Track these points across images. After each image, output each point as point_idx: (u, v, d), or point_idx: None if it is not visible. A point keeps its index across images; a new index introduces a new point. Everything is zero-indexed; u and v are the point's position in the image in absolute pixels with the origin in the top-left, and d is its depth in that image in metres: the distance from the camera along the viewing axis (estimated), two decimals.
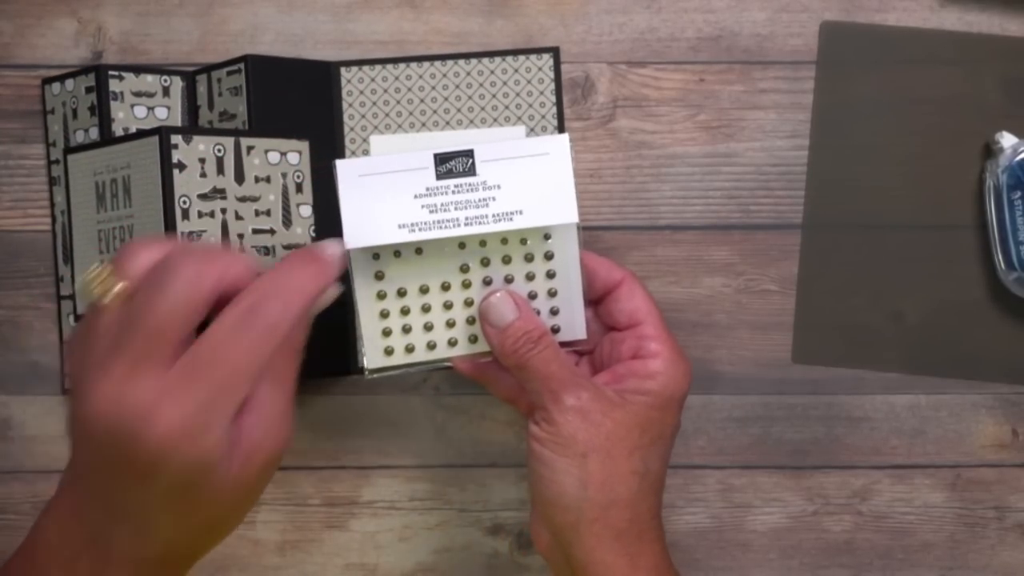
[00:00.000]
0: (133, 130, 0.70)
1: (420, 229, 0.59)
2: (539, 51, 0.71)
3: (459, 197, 0.59)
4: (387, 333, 0.61)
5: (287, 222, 0.69)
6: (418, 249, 0.60)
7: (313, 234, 0.70)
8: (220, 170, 0.66)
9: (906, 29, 0.71)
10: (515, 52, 0.71)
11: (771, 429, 0.71)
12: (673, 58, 0.72)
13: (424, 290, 0.60)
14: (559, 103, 0.71)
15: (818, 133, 0.71)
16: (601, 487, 0.56)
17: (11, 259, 0.72)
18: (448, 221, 0.59)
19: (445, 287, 0.60)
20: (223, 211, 0.66)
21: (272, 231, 0.68)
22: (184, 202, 0.65)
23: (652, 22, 0.72)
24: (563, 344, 0.60)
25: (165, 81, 0.71)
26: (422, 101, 0.71)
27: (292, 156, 0.69)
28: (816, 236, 0.71)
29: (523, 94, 0.71)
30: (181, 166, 0.65)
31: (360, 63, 0.72)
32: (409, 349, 0.61)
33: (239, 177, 0.67)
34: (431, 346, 0.61)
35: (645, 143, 0.71)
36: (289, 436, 0.48)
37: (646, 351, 0.59)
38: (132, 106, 0.70)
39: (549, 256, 0.60)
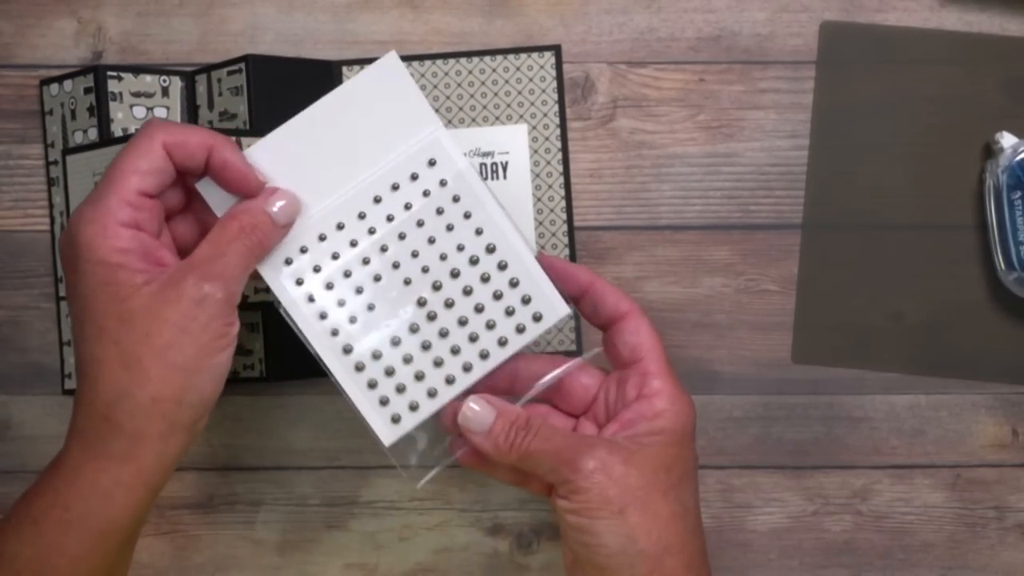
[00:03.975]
0: (132, 131, 0.70)
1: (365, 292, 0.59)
2: (541, 49, 0.71)
3: (369, 231, 0.59)
4: (384, 402, 0.59)
5: None
6: (370, 306, 0.59)
7: None
8: None
9: (906, 29, 0.71)
10: (517, 50, 0.71)
11: (771, 429, 0.71)
12: (673, 58, 0.72)
13: (396, 342, 0.59)
14: (561, 101, 0.71)
15: (818, 133, 0.71)
16: (650, 538, 0.55)
17: (11, 259, 0.72)
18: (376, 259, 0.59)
19: (414, 329, 0.59)
20: None
21: None
22: None
23: (652, 22, 0.72)
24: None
25: (164, 81, 0.71)
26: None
27: None
28: (816, 236, 0.71)
29: (525, 92, 0.71)
30: None
31: (361, 62, 0.72)
32: (413, 407, 0.59)
33: None
34: (432, 394, 0.59)
35: (645, 143, 0.71)
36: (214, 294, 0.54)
37: (649, 389, 0.58)
38: (131, 106, 0.70)
39: (491, 249, 0.59)
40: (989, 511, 0.71)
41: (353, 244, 0.59)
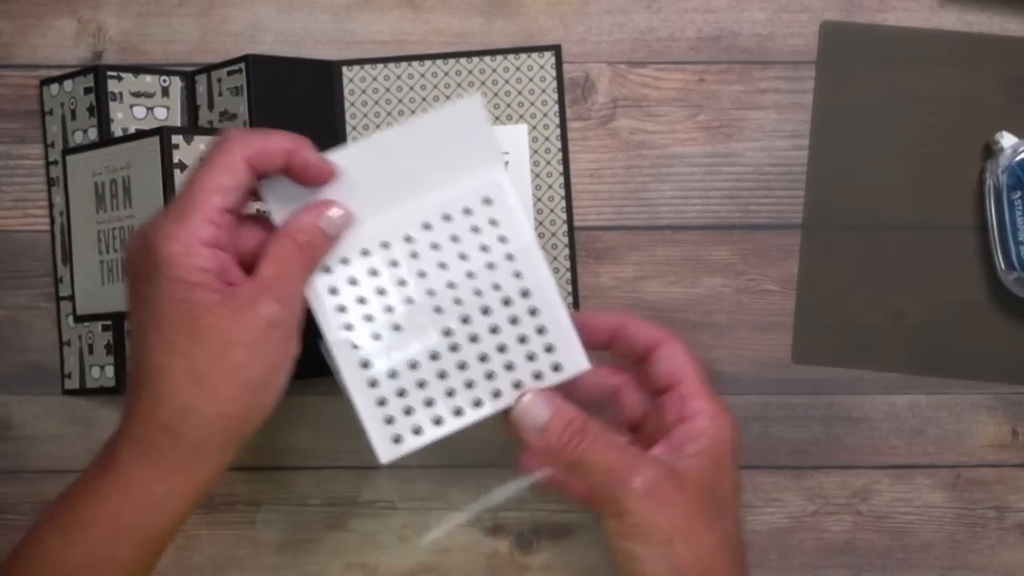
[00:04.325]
0: (132, 131, 0.70)
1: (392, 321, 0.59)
2: (540, 49, 0.71)
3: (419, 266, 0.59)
4: (390, 421, 0.59)
5: None
6: (396, 326, 0.59)
7: None
8: None
9: (906, 29, 0.71)
10: (517, 50, 0.71)
11: (771, 429, 0.71)
12: (673, 58, 0.72)
13: (414, 365, 0.59)
14: (561, 101, 0.71)
15: (818, 133, 0.71)
16: (694, 569, 0.55)
17: (11, 259, 0.72)
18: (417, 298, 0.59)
19: (434, 356, 0.59)
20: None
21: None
22: None
23: (652, 22, 0.72)
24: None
25: (164, 81, 0.71)
26: (424, 100, 0.72)
27: None
28: (816, 236, 0.71)
29: (525, 92, 0.71)
30: (182, 166, 0.65)
31: (362, 62, 0.72)
32: (417, 431, 0.59)
33: None
34: (437, 422, 0.59)
35: (645, 143, 0.71)
36: (278, 313, 0.55)
37: (689, 411, 0.58)
38: (131, 106, 0.70)
39: (526, 293, 0.59)
40: (989, 511, 0.71)
41: (393, 264, 0.59)
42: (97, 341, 0.70)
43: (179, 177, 0.64)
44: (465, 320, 0.59)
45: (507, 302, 0.59)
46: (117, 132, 0.70)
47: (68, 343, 0.72)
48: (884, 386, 0.71)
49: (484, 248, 0.59)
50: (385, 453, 0.59)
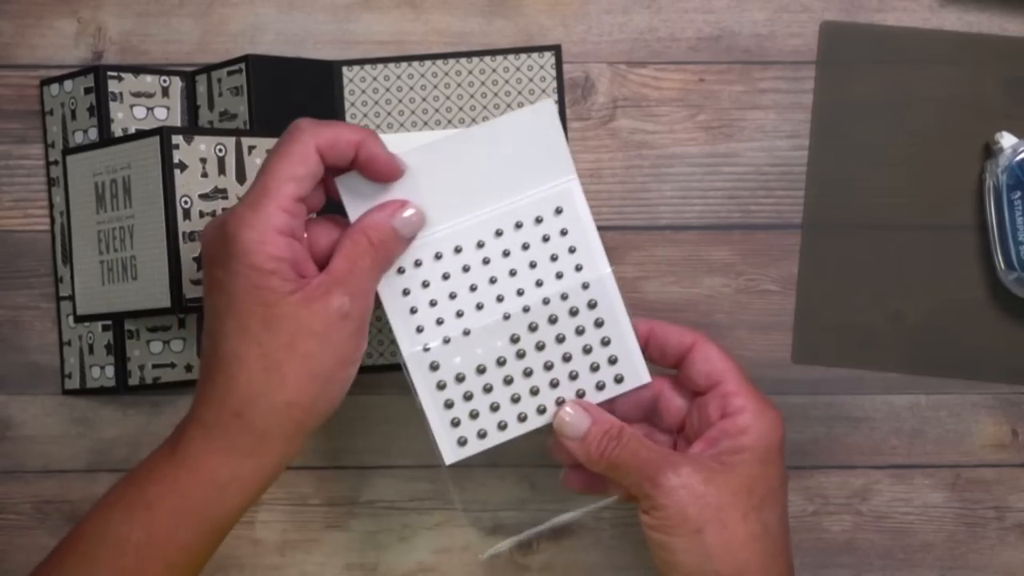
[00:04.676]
0: (132, 131, 0.70)
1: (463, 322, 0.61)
2: (541, 49, 0.71)
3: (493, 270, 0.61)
4: (456, 423, 0.61)
5: None
6: (465, 331, 0.60)
7: None
8: (222, 170, 0.66)
9: (906, 29, 0.71)
10: (517, 50, 0.71)
11: None
12: (673, 58, 0.72)
13: (481, 370, 0.61)
14: (561, 101, 0.71)
15: (818, 133, 0.71)
16: (725, 559, 0.56)
17: (11, 259, 0.72)
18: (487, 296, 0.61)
19: (501, 362, 0.61)
20: (225, 211, 0.66)
21: None
22: (185, 202, 0.65)
23: (652, 22, 0.72)
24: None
25: (164, 81, 0.71)
26: (424, 100, 0.72)
27: None
28: (816, 236, 0.71)
29: (525, 92, 0.71)
30: (182, 166, 0.65)
31: (362, 62, 0.72)
32: (481, 435, 0.61)
33: (241, 177, 0.67)
34: (502, 426, 0.61)
35: (645, 143, 0.71)
36: (349, 310, 0.56)
37: (731, 408, 0.59)
38: (131, 106, 0.70)
39: (592, 305, 0.61)
40: (989, 511, 0.71)
41: (465, 270, 0.61)
42: (97, 341, 0.70)
43: (179, 177, 0.65)
44: (532, 328, 0.61)
45: (574, 312, 0.61)
46: (117, 132, 0.70)
47: (68, 343, 0.72)
48: (884, 386, 0.71)
49: (553, 258, 0.61)
50: (450, 455, 0.61)
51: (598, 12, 0.72)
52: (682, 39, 0.72)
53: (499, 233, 0.61)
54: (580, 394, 0.61)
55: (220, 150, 0.66)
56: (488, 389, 0.61)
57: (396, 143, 0.67)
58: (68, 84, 0.71)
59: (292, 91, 0.70)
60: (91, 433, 0.72)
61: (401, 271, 0.60)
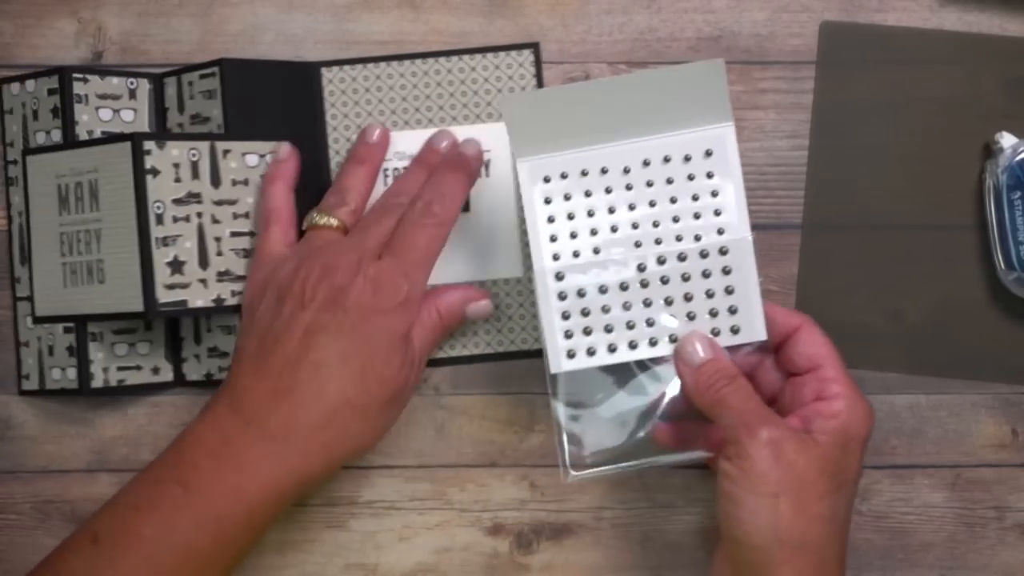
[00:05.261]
0: (98, 133, 0.69)
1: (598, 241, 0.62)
2: (520, 47, 0.71)
3: (637, 208, 0.62)
4: (568, 335, 0.62)
5: None
6: (595, 249, 0.62)
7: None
8: (195, 174, 0.66)
9: (906, 29, 0.71)
10: (496, 49, 0.71)
11: None
12: (673, 58, 0.72)
13: (603, 290, 0.61)
14: None
15: (818, 133, 0.71)
16: (792, 530, 0.57)
17: None
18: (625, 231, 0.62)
19: (623, 287, 0.62)
20: (199, 215, 0.65)
21: (252, 234, 0.68)
22: (158, 207, 0.64)
23: (652, 22, 0.72)
24: (743, 346, 0.61)
25: (131, 84, 0.70)
26: (404, 99, 0.71)
27: (271, 158, 0.68)
28: (816, 236, 0.71)
29: (505, 90, 0.71)
30: (154, 172, 0.64)
31: (341, 63, 0.71)
32: (591, 352, 0.62)
33: (215, 181, 0.66)
34: (612, 349, 0.62)
35: None
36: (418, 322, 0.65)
37: (828, 392, 0.60)
38: (97, 108, 0.69)
39: (724, 251, 0.61)
40: (989, 511, 0.71)
41: (607, 191, 0.62)
42: (58, 343, 0.69)
43: (151, 183, 0.64)
44: (660, 261, 0.62)
45: (704, 255, 0.62)
46: (82, 134, 0.69)
47: (26, 344, 0.71)
48: (884, 386, 0.71)
49: (695, 198, 0.62)
50: (556, 364, 0.62)
51: (598, 12, 0.72)
52: (682, 39, 0.72)
53: (646, 163, 0.62)
54: None
55: (194, 155, 0.65)
56: (606, 310, 0.62)
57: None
58: (30, 84, 0.70)
59: (268, 93, 0.69)
60: (91, 433, 0.72)
61: (547, 179, 0.62)
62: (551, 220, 0.62)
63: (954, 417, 0.71)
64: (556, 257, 0.62)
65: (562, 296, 0.62)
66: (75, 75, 0.69)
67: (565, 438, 0.62)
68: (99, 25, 0.73)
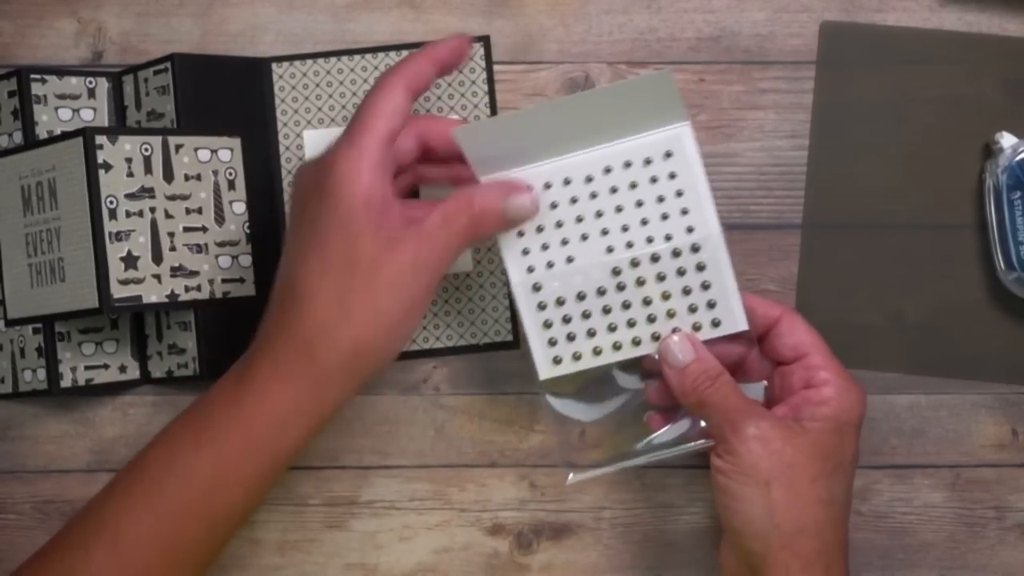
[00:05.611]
0: (58, 133, 0.69)
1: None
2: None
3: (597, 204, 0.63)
4: (552, 343, 0.63)
5: (220, 219, 0.68)
6: (569, 258, 0.62)
7: (247, 231, 0.69)
8: (148, 169, 0.65)
9: (906, 29, 0.71)
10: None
11: None
12: (673, 58, 0.72)
13: (581, 297, 0.63)
14: (491, 92, 0.71)
15: (818, 133, 0.71)
16: (787, 515, 0.58)
17: None
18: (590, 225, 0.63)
19: (601, 292, 0.62)
20: (152, 210, 0.65)
21: (204, 228, 0.68)
22: (111, 202, 0.64)
23: (652, 22, 0.72)
24: (726, 338, 0.62)
25: (90, 83, 0.70)
26: (355, 95, 0.71)
27: (223, 153, 0.68)
28: (816, 236, 0.71)
29: (455, 84, 0.71)
30: (107, 166, 0.64)
31: (291, 58, 0.71)
32: (576, 357, 0.63)
33: (168, 176, 0.66)
34: (597, 352, 0.63)
35: None
36: (433, 251, 0.58)
37: (817, 380, 0.61)
38: (56, 109, 0.69)
39: (696, 248, 0.62)
40: (989, 511, 0.71)
41: (573, 201, 0.63)
42: (28, 344, 0.69)
43: (104, 178, 0.64)
44: (634, 264, 0.63)
45: (677, 254, 0.63)
46: (43, 135, 0.69)
47: (0, 347, 0.71)
48: (884, 386, 0.71)
49: (660, 199, 0.63)
50: (544, 371, 0.63)
51: (598, 12, 0.72)
52: (682, 39, 0.72)
53: (608, 170, 0.63)
54: (676, 332, 0.63)
55: (146, 149, 0.65)
56: (587, 315, 0.63)
57: (326, 138, 0.68)
58: None
59: (220, 89, 0.69)
60: (91, 433, 0.72)
61: None
62: (520, 235, 0.63)
63: (954, 417, 0.71)
64: (531, 269, 0.63)
65: (542, 306, 0.63)
66: (33, 76, 0.69)
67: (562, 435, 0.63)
68: (99, 25, 0.73)
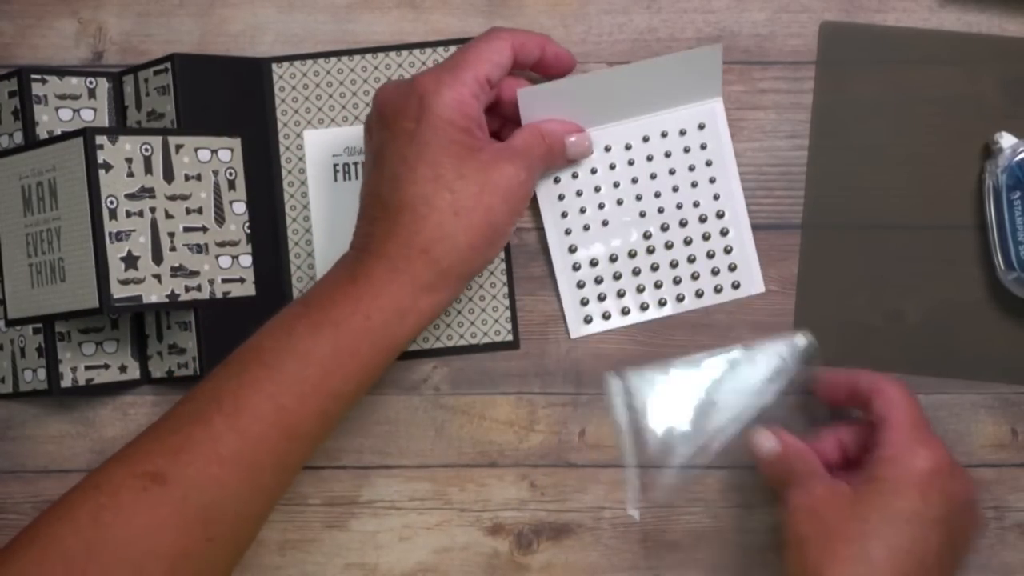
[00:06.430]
0: (59, 133, 0.69)
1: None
2: (447, 43, 0.72)
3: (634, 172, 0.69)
4: (584, 303, 0.69)
5: (220, 219, 0.68)
6: (604, 221, 0.68)
7: (247, 231, 0.69)
8: (148, 169, 0.66)
9: (906, 29, 0.71)
10: (444, 43, 0.71)
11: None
12: None
13: (613, 259, 0.69)
14: None
15: (818, 133, 0.71)
16: (814, 572, 0.60)
17: None
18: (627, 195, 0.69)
19: (632, 254, 0.69)
20: (152, 210, 0.66)
21: (204, 228, 0.68)
22: (111, 202, 0.64)
23: (652, 22, 0.72)
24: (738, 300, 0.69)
25: (90, 83, 0.70)
26: (354, 95, 0.71)
27: (223, 153, 0.69)
28: (816, 236, 0.71)
29: None
30: (107, 166, 0.64)
31: (291, 58, 0.71)
32: (606, 316, 0.69)
33: (168, 176, 0.66)
34: (625, 312, 0.69)
35: None
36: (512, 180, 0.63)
37: (883, 440, 0.62)
38: (57, 109, 0.69)
39: (720, 214, 0.69)
40: (989, 511, 0.71)
41: (612, 167, 0.69)
42: (29, 344, 0.69)
43: (104, 178, 0.64)
44: (664, 228, 0.69)
45: (703, 219, 0.69)
46: (43, 135, 0.69)
47: (0, 347, 0.71)
48: None
49: (691, 168, 0.69)
50: (575, 329, 0.69)
51: (598, 12, 0.72)
52: (682, 39, 0.72)
53: (646, 139, 0.69)
54: (699, 294, 0.69)
55: (146, 149, 0.66)
56: (617, 277, 0.69)
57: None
58: None
59: (220, 89, 0.70)
60: (91, 433, 0.72)
61: None
62: (561, 198, 0.68)
63: (954, 417, 0.71)
64: (568, 232, 0.68)
65: (576, 267, 0.68)
66: (33, 76, 0.69)
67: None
68: (99, 25, 0.73)
